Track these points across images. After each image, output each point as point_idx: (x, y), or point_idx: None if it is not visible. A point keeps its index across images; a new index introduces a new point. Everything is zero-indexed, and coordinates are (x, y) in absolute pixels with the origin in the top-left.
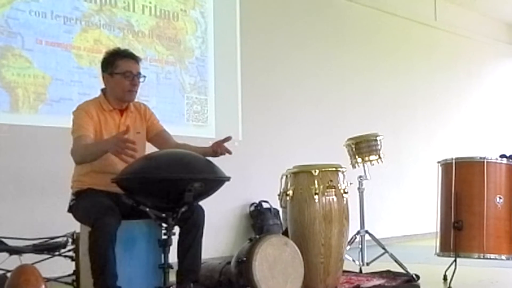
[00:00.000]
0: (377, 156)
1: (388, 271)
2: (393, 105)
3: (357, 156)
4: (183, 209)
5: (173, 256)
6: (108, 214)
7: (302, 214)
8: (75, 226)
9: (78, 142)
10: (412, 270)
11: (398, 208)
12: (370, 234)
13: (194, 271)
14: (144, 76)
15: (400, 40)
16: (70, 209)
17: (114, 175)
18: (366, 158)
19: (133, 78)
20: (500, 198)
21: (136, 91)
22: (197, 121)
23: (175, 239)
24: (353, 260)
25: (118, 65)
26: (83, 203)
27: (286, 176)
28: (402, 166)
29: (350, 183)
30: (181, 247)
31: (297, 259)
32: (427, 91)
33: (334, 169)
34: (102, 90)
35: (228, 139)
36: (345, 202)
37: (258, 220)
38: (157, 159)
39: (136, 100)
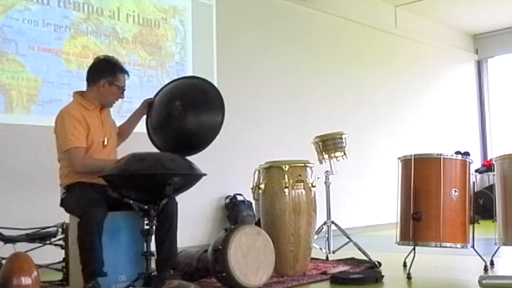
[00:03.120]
0: (342, 153)
1: (353, 258)
2: (357, 106)
3: (324, 153)
4: (164, 202)
5: (154, 245)
6: (95, 206)
7: (273, 206)
8: (65, 217)
9: (77, 154)
10: (374, 258)
11: (361, 200)
12: (336, 225)
13: (172, 258)
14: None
15: (363, 46)
16: (62, 203)
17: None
18: (332, 155)
19: (123, 92)
20: (455, 191)
21: None
22: None
23: None
24: (320, 248)
25: (119, 79)
26: (73, 196)
27: (259, 171)
28: (365, 162)
29: (318, 178)
30: (158, 237)
31: (269, 248)
32: (388, 93)
33: (302, 164)
34: (78, 92)
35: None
36: (313, 195)
37: (233, 212)
38: (141, 157)
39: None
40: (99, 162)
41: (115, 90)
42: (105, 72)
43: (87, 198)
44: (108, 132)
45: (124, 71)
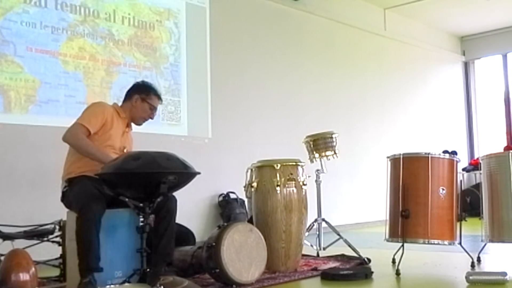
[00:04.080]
0: (333, 152)
1: (343, 255)
2: (347, 106)
3: (314, 152)
4: (158, 199)
5: (152, 240)
6: (94, 202)
7: (265, 204)
8: (62, 214)
9: (80, 129)
10: (364, 254)
11: (351, 198)
12: (326, 222)
13: (168, 254)
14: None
15: (353, 48)
16: (63, 197)
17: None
18: (323, 154)
19: (153, 112)
20: (443, 189)
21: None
22: (171, 121)
23: None
24: (311, 245)
25: (152, 98)
26: (73, 191)
27: (251, 169)
28: (355, 161)
29: (309, 176)
30: (155, 233)
31: (261, 244)
32: (377, 94)
33: (294, 163)
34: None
35: None
36: (304, 193)
37: (226, 209)
38: (137, 156)
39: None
40: (92, 145)
41: (146, 107)
42: (140, 90)
43: (86, 193)
44: (124, 144)
45: (158, 94)
